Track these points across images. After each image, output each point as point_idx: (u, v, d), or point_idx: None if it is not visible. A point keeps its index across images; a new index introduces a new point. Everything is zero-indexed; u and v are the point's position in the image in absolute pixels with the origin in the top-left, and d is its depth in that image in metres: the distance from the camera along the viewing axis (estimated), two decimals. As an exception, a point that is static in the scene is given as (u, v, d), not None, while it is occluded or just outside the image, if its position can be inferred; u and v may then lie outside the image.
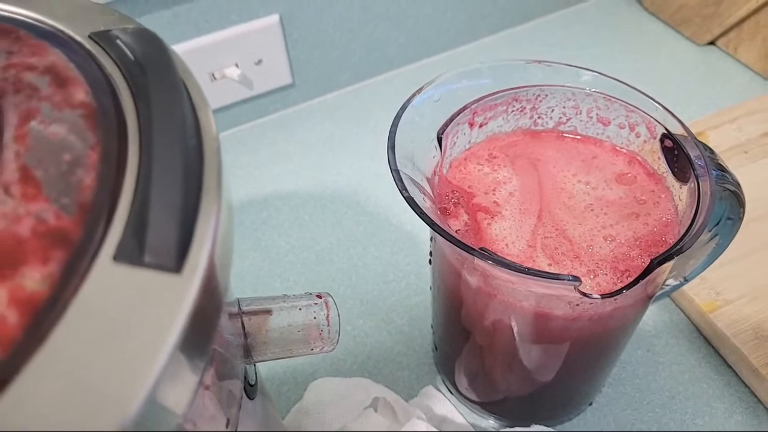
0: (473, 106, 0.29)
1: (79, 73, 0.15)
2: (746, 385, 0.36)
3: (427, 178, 0.27)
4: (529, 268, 0.22)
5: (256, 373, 0.23)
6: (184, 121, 0.12)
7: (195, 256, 0.11)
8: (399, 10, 0.53)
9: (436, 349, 0.37)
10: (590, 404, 0.36)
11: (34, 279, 0.11)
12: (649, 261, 0.23)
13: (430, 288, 0.33)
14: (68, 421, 0.09)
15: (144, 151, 0.12)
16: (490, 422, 0.35)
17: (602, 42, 0.59)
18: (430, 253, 0.31)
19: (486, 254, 0.22)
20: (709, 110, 0.50)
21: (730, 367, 0.37)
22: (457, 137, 0.30)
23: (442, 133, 0.28)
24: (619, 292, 0.23)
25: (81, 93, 0.14)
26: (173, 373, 0.11)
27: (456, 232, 0.27)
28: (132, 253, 0.11)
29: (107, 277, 0.11)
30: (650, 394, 0.36)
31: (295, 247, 0.45)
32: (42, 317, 0.10)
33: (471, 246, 0.22)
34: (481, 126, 0.31)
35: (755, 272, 0.39)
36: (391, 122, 0.26)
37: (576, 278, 0.21)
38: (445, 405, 0.35)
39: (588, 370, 0.32)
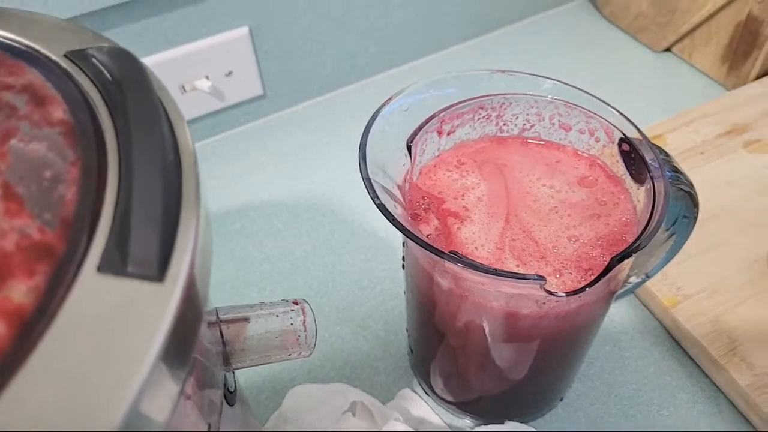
0: (441, 115, 0.30)
1: (57, 91, 0.15)
2: (707, 376, 0.37)
3: (398, 186, 0.28)
4: (497, 270, 0.23)
5: (235, 381, 0.23)
6: (162, 137, 0.13)
7: (176, 265, 0.12)
8: (368, 21, 0.54)
9: (412, 352, 0.38)
10: (561, 400, 0.37)
11: (20, 291, 0.11)
12: (610, 259, 0.24)
13: (404, 292, 0.34)
14: (56, 429, 0.10)
15: (124, 166, 0.13)
16: (466, 421, 0.36)
17: (565, 49, 0.61)
18: (403, 258, 0.32)
19: (456, 257, 0.23)
20: (666, 114, 0.52)
21: (691, 358, 0.38)
22: (426, 145, 0.31)
23: (412, 141, 0.29)
24: (582, 289, 0.24)
25: (59, 111, 0.14)
26: (156, 381, 0.11)
27: (427, 236, 0.28)
28: (115, 263, 0.12)
29: (92, 288, 0.11)
30: (618, 387, 0.37)
31: (270, 257, 0.45)
32: (29, 328, 0.11)
33: (441, 250, 0.23)
34: (449, 134, 0.32)
35: (713, 268, 0.40)
36: (362, 132, 0.27)
37: (541, 277, 0.22)
38: (422, 407, 0.36)
39: (558, 366, 0.33)
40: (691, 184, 0.29)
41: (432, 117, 0.30)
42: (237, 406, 0.23)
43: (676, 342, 0.39)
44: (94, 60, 0.16)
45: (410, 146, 0.29)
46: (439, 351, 0.34)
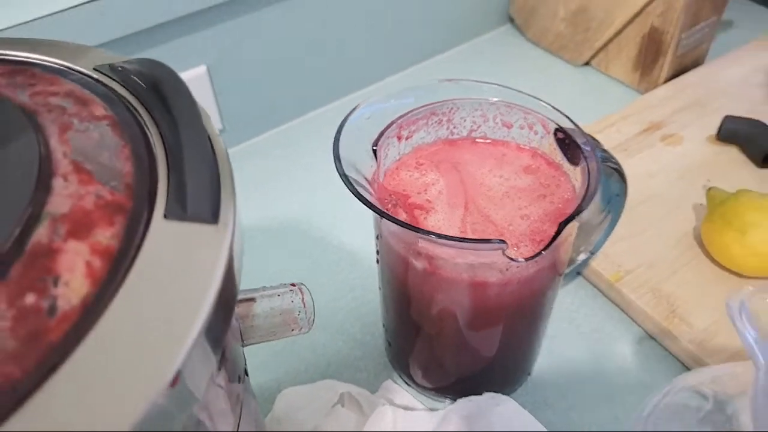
0: (399, 121, 0.34)
1: (94, 95, 0.18)
2: (654, 339, 0.42)
3: (369, 182, 0.32)
4: (464, 238, 0.26)
5: (245, 364, 0.26)
6: (201, 119, 0.16)
7: (224, 213, 0.15)
8: (322, 51, 0.58)
9: (390, 345, 0.41)
10: (529, 374, 0.40)
11: (105, 236, 0.14)
12: (558, 223, 0.28)
13: (380, 288, 0.37)
14: (149, 333, 0.13)
15: (171, 143, 0.16)
16: (447, 403, 0.39)
17: (496, 70, 0.66)
18: (378, 252, 0.35)
19: (431, 232, 0.26)
20: (591, 119, 0.58)
21: (639, 326, 0.42)
22: (388, 149, 0.35)
23: (376, 145, 0.33)
24: (539, 253, 0.28)
25: (100, 109, 0.17)
26: (216, 312, 0.14)
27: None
28: (178, 212, 0.15)
29: (162, 230, 0.14)
30: (578, 359, 0.41)
31: (244, 279, 0.47)
32: (119, 263, 0.14)
33: (417, 226, 0.27)
34: (407, 138, 0.35)
35: (647, 246, 0.45)
36: (333, 138, 0.30)
37: (502, 241, 0.26)
38: (404, 396, 0.39)
39: (523, 339, 0.37)
40: (618, 163, 0.34)
41: (391, 123, 0.34)
42: (251, 400, 0.26)
43: (624, 313, 0.43)
44: (120, 69, 0.19)
45: (375, 149, 0.33)
46: (417, 341, 0.37)
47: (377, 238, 0.34)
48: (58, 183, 0.15)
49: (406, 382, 0.41)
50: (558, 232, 0.28)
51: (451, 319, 0.34)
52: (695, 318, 0.41)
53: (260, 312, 0.24)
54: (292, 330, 0.25)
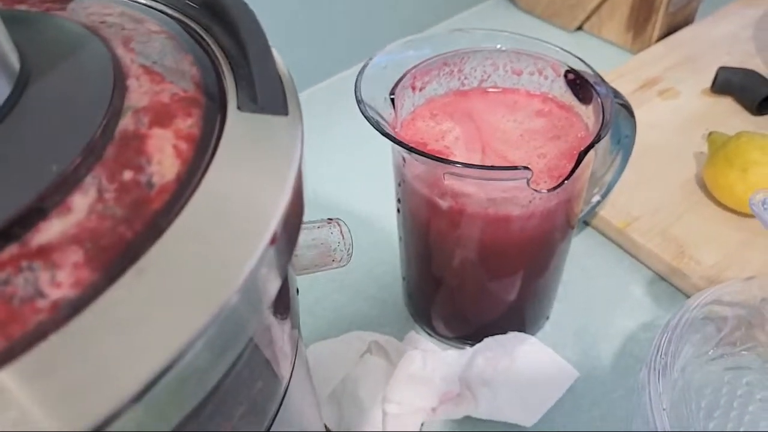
0: (412, 71, 0.35)
1: (147, 15, 0.19)
2: (664, 279, 0.43)
3: (389, 128, 0.33)
4: (491, 166, 0.27)
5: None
6: (257, 21, 0.17)
7: (292, 105, 0.16)
8: (312, 29, 0.59)
9: (411, 298, 0.41)
10: (547, 318, 0.41)
11: (186, 124, 0.15)
12: (578, 153, 0.29)
13: (400, 238, 0.38)
14: (243, 203, 0.13)
15: (232, 44, 0.17)
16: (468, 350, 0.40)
17: (490, 40, 0.67)
18: (398, 201, 0.36)
19: (458, 162, 0.27)
20: (589, 79, 0.59)
21: (649, 268, 0.44)
22: (404, 100, 0.35)
23: (393, 93, 0.33)
24: (561, 183, 0.29)
25: (155, 26, 0.18)
26: (294, 197, 0.14)
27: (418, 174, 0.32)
28: (251, 104, 0.15)
29: (238, 120, 0.15)
30: (593, 302, 0.42)
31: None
32: (203, 146, 0.14)
33: (444, 158, 0.27)
34: (420, 90, 0.36)
35: (652, 193, 0.47)
36: (354, 84, 0.31)
37: (527, 168, 0.27)
38: (428, 345, 0.40)
39: (542, 282, 0.38)
40: (626, 99, 0.35)
41: (406, 73, 0.35)
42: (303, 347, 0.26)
43: (634, 257, 0.45)
44: (168, -4, 0.20)
45: (393, 98, 0.34)
46: (439, 290, 0.38)
47: (399, 185, 0.35)
48: (132, 83, 0.15)
49: (429, 333, 0.42)
50: (579, 161, 0.29)
51: (474, 264, 0.35)
52: (704, 256, 0.42)
53: (302, 243, 0.25)
54: (333, 260, 0.26)
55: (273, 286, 0.14)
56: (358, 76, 0.31)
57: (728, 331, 0.31)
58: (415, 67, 0.35)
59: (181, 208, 0.13)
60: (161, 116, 0.14)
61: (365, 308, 0.44)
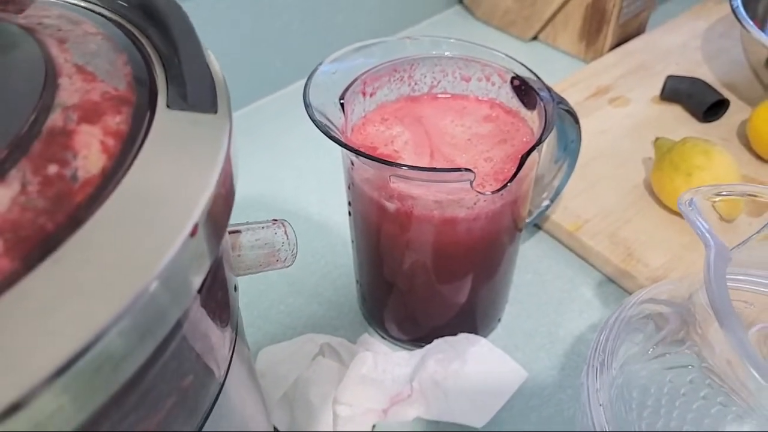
0: (362, 77, 0.36)
1: (85, 17, 0.19)
2: (613, 281, 0.44)
3: (339, 133, 0.33)
4: (434, 168, 0.28)
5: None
6: (190, 21, 0.17)
7: (222, 104, 0.16)
8: (270, 38, 0.59)
9: (365, 300, 0.42)
10: (499, 321, 0.42)
11: (115, 121, 0.15)
12: (520, 156, 0.30)
13: (352, 241, 0.39)
14: (166, 195, 0.14)
15: (165, 44, 0.17)
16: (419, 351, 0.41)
17: (449, 49, 0.69)
18: (349, 204, 0.36)
19: (403, 164, 0.28)
20: (543, 88, 0.61)
21: (599, 270, 0.45)
22: (354, 105, 0.36)
23: (343, 98, 0.34)
24: (504, 185, 0.29)
25: (92, 27, 0.18)
26: (217, 198, 0.15)
27: (367, 178, 0.33)
28: (180, 102, 0.16)
29: (167, 117, 0.15)
30: (544, 304, 0.44)
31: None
32: (130, 142, 0.15)
33: (389, 160, 0.28)
34: (371, 95, 0.37)
35: (602, 197, 0.48)
36: (303, 90, 0.32)
37: (469, 170, 0.28)
38: (381, 347, 0.40)
39: (491, 284, 0.38)
40: (570, 106, 0.36)
41: (356, 78, 0.35)
42: (244, 345, 0.26)
43: (583, 260, 0.46)
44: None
45: (342, 103, 0.34)
46: (391, 293, 0.39)
47: (348, 188, 0.35)
48: (64, 81, 0.15)
49: (382, 336, 0.42)
50: (521, 164, 0.30)
51: (423, 266, 0.36)
52: (650, 258, 0.43)
53: (246, 243, 0.25)
54: (277, 261, 0.26)
55: (196, 279, 0.14)
56: (307, 81, 0.32)
57: (670, 329, 0.32)
58: (365, 72, 0.36)
59: (104, 201, 0.13)
60: (90, 113, 0.15)
61: (320, 311, 0.44)
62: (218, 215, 0.15)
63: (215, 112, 0.16)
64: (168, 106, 0.16)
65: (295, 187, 0.54)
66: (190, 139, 0.15)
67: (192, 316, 0.17)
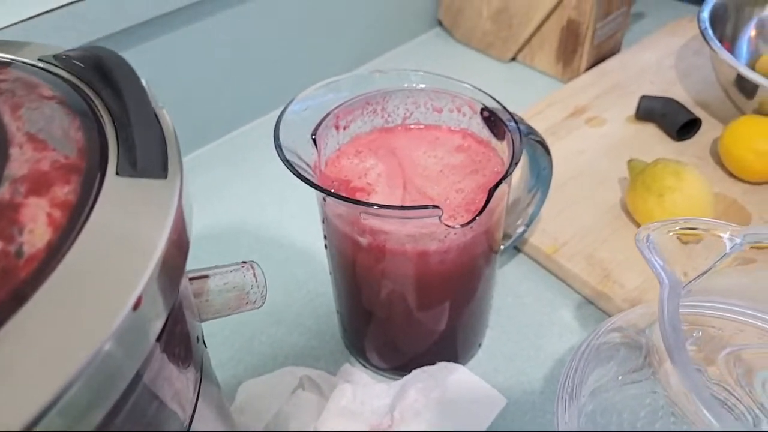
0: (335, 111, 0.36)
1: (41, 79, 0.19)
2: (591, 302, 0.45)
3: (311, 170, 0.33)
4: (402, 206, 0.28)
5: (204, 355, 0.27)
6: (142, 85, 0.18)
7: (172, 167, 0.17)
8: (252, 64, 0.60)
9: (345, 331, 0.42)
10: (480, 346, 0.42)
11: (63, 192, 0.15)
12: (488, 190, 0.30)
13: (330, 273, 0.39)
14: (110, 268, 0.14)
15: (117, 111, 0.17)
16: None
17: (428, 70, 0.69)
18: (325, 237, 0.36)
19: (372, 203, 0.28)
20: (520, 109, 0.61)
21: (577, 292, 0.45)
22: (327, 139, 0.36)
23: (315, 134, 0.34)
24: (473, 219, 0.30)
25: (48, 91, 0.19)
26: (168, 257, 0.15)
27: (340, 213, 0.33)
28: (129, 168, 0.16)
29: (115, 185, 0.16)
30: (524, 327, 0.44)
31: (197, 282, 0.48)
32: (77, 212, 0.15)
33: (357, 199, 0.28)
34: (344, 128, 0.37)
35: (579, 218, 0.49)
36: (273, 129, 0.32)
37: (436, 206, 0.28)
38: (362, 377, 0.40)
39: (469, 311, 0.39)
40: (540, 136, 0.37)
41: (329, 113, 0.36)
42: (212, 385, 0.27)
43: (562, 282, 0.46)
44: (64, 57, 0.20)
45: (315, 138, 0.34)
46: (370, 322, 0.39)
47: (323, 222, 0.35)
48: (14, 151, 0.16)
49: (363, 365, 0.42)
50: (489, 198, 0.30)
51: (400, 296, 0.36)
52: (626, 279, 0.44)
53: (213, 288, 0.25)
54: (246, 304, 0.26)
55: (145, 343, 0.14)
56: (277, 121, 0.32)
57: (639, 357, 0.32)
58: (337, 107, 0.36)
59: (48, 275, 0.13)
60: (39, 185, 0.15)
61: (302, 341, 0.44)
62: (169, 276, 0.16)
63: (165, 177, 0.16)
64: (117, 173, 0.16)
65: (277, 214, 0.54)
66: (139, 206, 0.15)
67: (149, 369, 0.17)
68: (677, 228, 0.24)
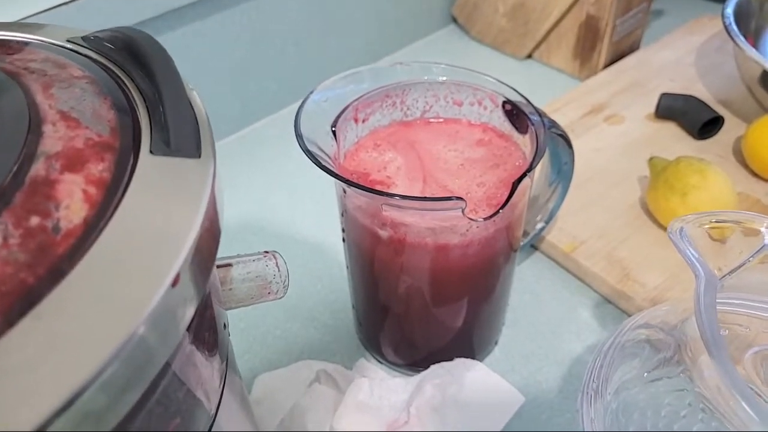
0: (354, 104, 0.36)
1: (70, 60, 0.19)
2: (610, 301, 0.44)
3: (331, 161, 0.33)
4: (425, 197, 0.28)
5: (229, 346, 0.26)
6: (174, 66, 0.17)
7: (205, 147, 0.16)
8: (267, 59, 0.60)
9: (361, 325, 0.42)
10: (496, 343, 0.42)
11: (98, 169, 0.15)
12: (512, 183, 0.30)
13: (347, 267, 0.39)
14: (147, 245, 0.14)
15: (149, 88, 0.17)
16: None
17: (444, 68, 0.69)
18: (343, 231, 0.36)
19: (394, 194, 0.28)
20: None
21: (595, 291, 0.45)
22: (347, 132, 0.36)
23: (335, 126, 0.34)
24: (496, 212, 0.29)
25: (77, 71, 0.18)
26: (203, 239, 0.15)
27: (360, 205, 0.33)
28: (163, 147, 0.16)
29: (150, 163, 0.15)
30: (541, 326, 0.43)
31: (212, 276, 0.48)
32: (113, 189, 0.15)
33: (380, 190, 0.28)
34: (363, 121, 0.37)
35: (598, 217, 0.48)
36: (294, 118, 0.32)
37: (460, 198, 0.28)
38: (378, 372, 0.40)
39: (487, 308, 0.38)
40: (563, 129, 0.36)
41: (348, 105, 0.35)
42: (235, 375, 0.26)
43: (580, 280, 0.46)
44: (93, 38, 0.20)
45: (334, 130, 0.34)
46: (386, 318, 0.39)
47: (342, 215, 0.35)
48: (48, 128, 0.16)
49: (379, 361, 0.42)
50: (512, 191, 0.30)
51: (418, 291, 0.36)
52: (647, 278, 0.43)
53: (237, 276, 0.25)
54: (269, 293, 0.26)
55: (182, 322, 0.14)
56: (297, 111, 0.32)
57: (666, 353, 0.31)
58: (357, 99, 0.36)
59: (85, 252, 0.13)
60: (73, 161, 0.15)
61: (317, 336, 0.44)
62: (203, 259, 0.15)
63: (198, 156, 0.16)
64: (151, 152, 0.16)
65: (291, 210, 0.54)
66: (173, 185, 0.15)
67: (180, 355, 0.17)
68: (712, 220, 0.23)
